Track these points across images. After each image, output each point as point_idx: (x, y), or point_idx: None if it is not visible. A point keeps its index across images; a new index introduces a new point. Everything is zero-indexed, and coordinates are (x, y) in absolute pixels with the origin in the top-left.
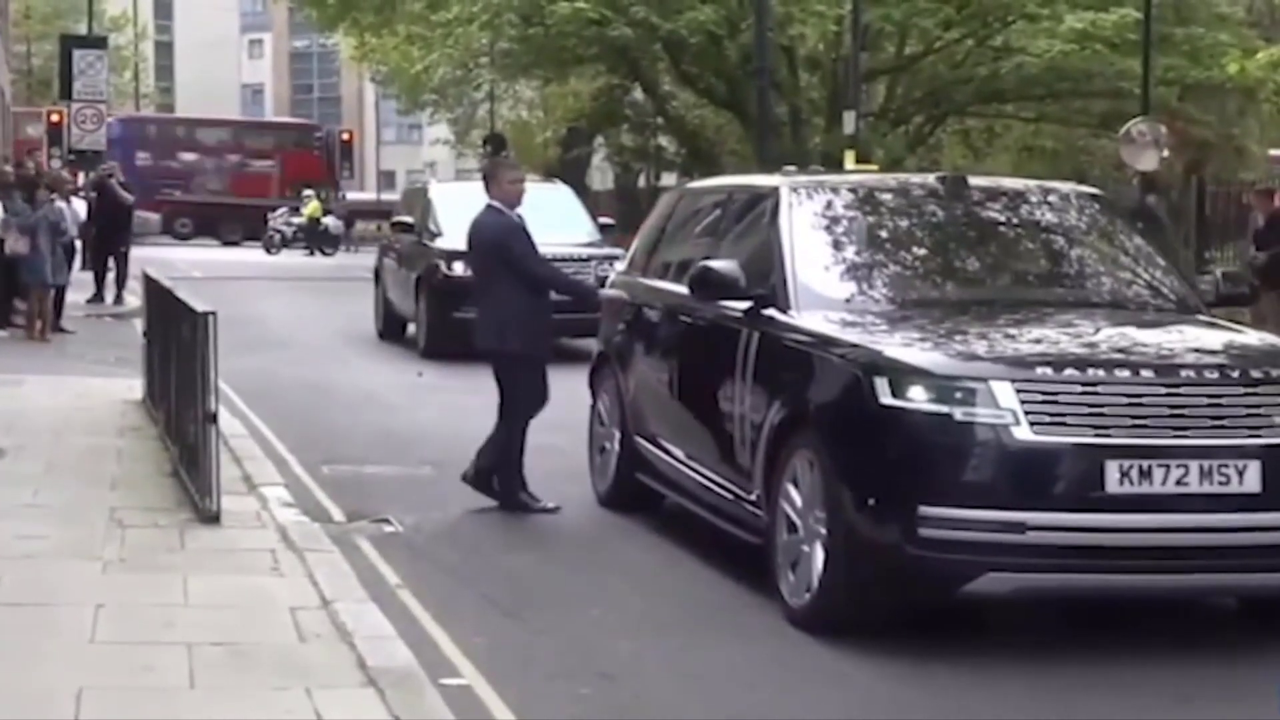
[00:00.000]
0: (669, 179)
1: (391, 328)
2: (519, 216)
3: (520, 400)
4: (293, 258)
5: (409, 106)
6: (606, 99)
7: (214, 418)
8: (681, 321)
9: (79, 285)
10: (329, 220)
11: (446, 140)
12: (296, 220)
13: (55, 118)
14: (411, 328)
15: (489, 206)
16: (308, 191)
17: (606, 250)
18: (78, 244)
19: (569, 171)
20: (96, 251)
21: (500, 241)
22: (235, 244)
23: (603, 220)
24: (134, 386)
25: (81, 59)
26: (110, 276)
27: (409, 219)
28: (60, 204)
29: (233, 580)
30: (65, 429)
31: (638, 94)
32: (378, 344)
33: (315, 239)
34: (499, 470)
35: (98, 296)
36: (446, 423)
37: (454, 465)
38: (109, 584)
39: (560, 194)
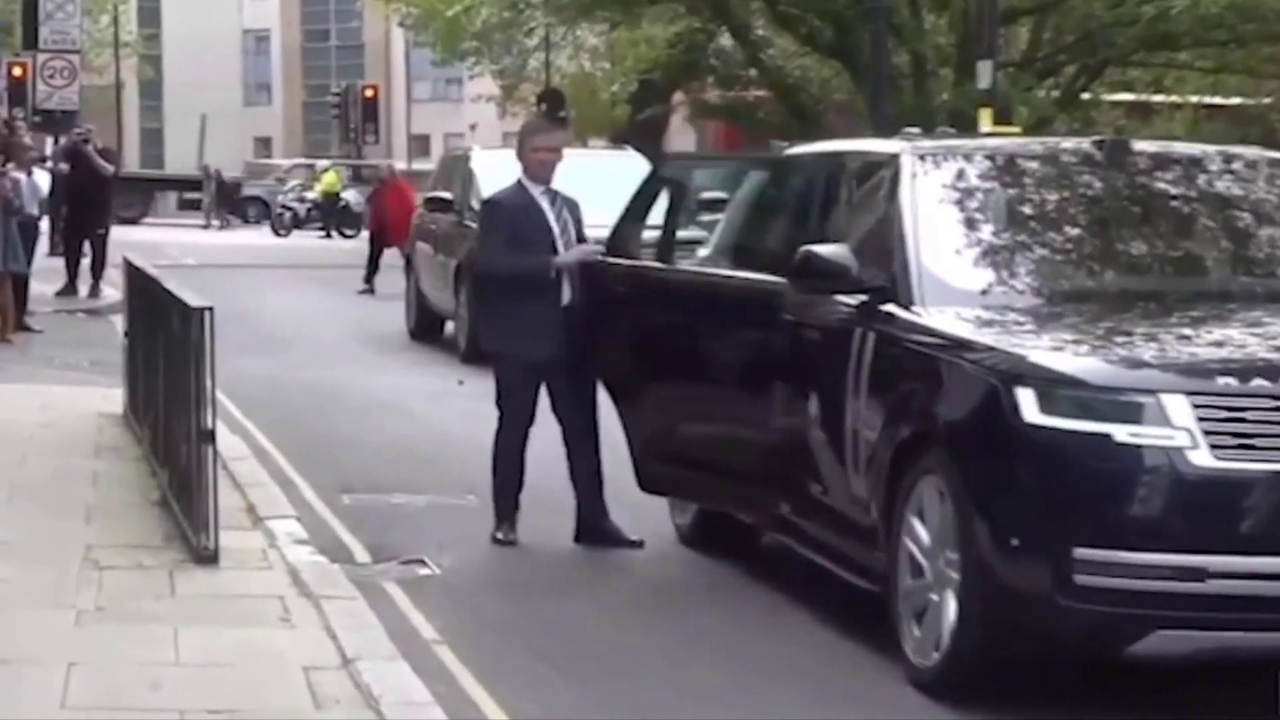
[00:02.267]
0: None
1: (426, 326)
2: (547, 194)
3: (506, 412)
4: (306, 240)
5: (446, 56)
6: (687, 46)
7: (211, 435)
8: (762, 319)
9: (47, 274)
10: (350, 195)
11: (491, 97)
12: (310, 196)
13: (17, 71)
14: (450, 326)
15: (516, 181)
16: (323, 162)
17: (691, 231)
18: (43, 224)
19: (642, 135)
20: (69, 234)
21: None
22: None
23: (708, 194)
24: (113, 397)
25: (50, 0)
26: (85, 264)
27: (446, 194)
28: (18, 175)
29: (233, 633)
30: (29, 449)
31: (725, 40)
32: (409, 345)
33: (333, 218)
34: (499, 492)
35: (70, 288)
36: (488, 439)
37: None
38: (84, 638)
39: (631, 163)
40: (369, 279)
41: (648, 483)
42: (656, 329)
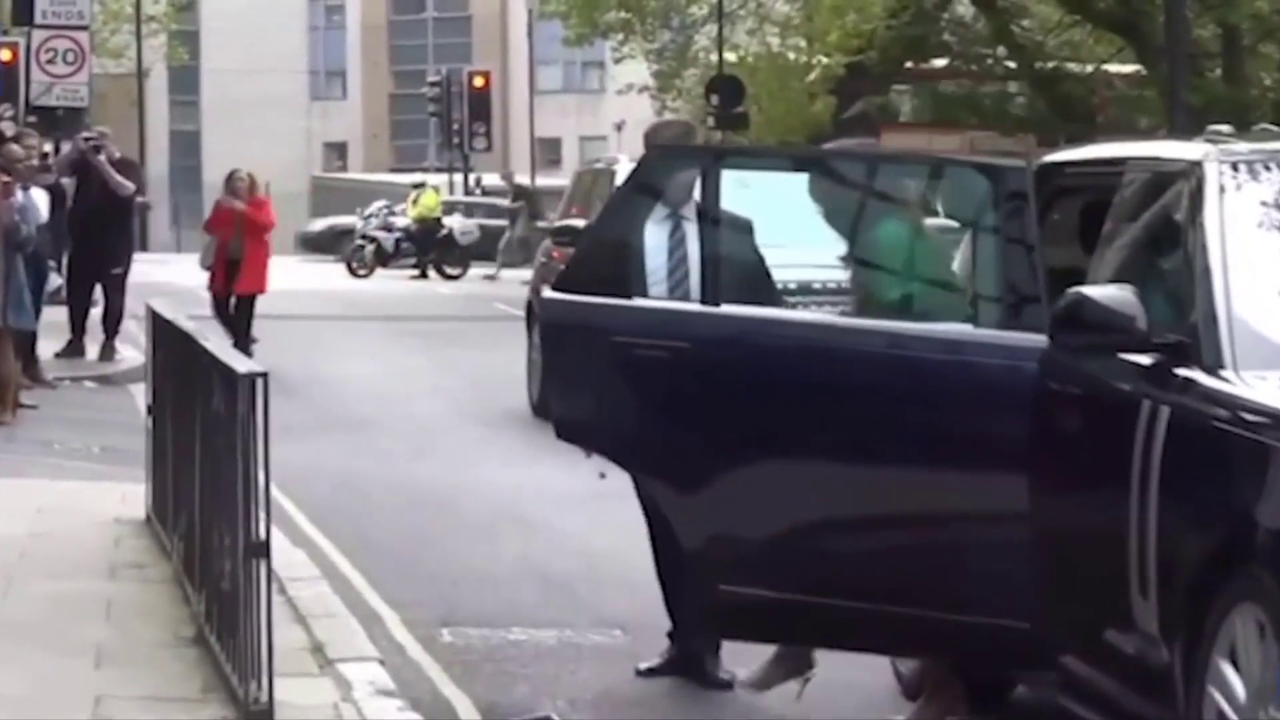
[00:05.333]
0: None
1: None
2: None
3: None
4: (394, 282)
5: (583, 33)
6: (912, 17)
7: (264, 548)
8: (989, 383)
9: (44, 328)
10: (454, 221)
11: (645, 87)
12: (400, 222)
13: (5, 55)
14: None
15: None
16: (418, 175)
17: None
18: (52, 267)
19: (850, 137)
20: (75, 274)
21: None
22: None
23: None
24: (132, 495)
25: None
26: (95, 314)
27: (580, 222)
28: (17, 195)
29: None
30: (20, 569)
31: (964, 7)
32: (532, 425)
33: (432, 252)
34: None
35: (75, 346)
36: (644, 556)
37: (656, 627)
38: None
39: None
40: None
41: (723, 619)
42: (772, 391)
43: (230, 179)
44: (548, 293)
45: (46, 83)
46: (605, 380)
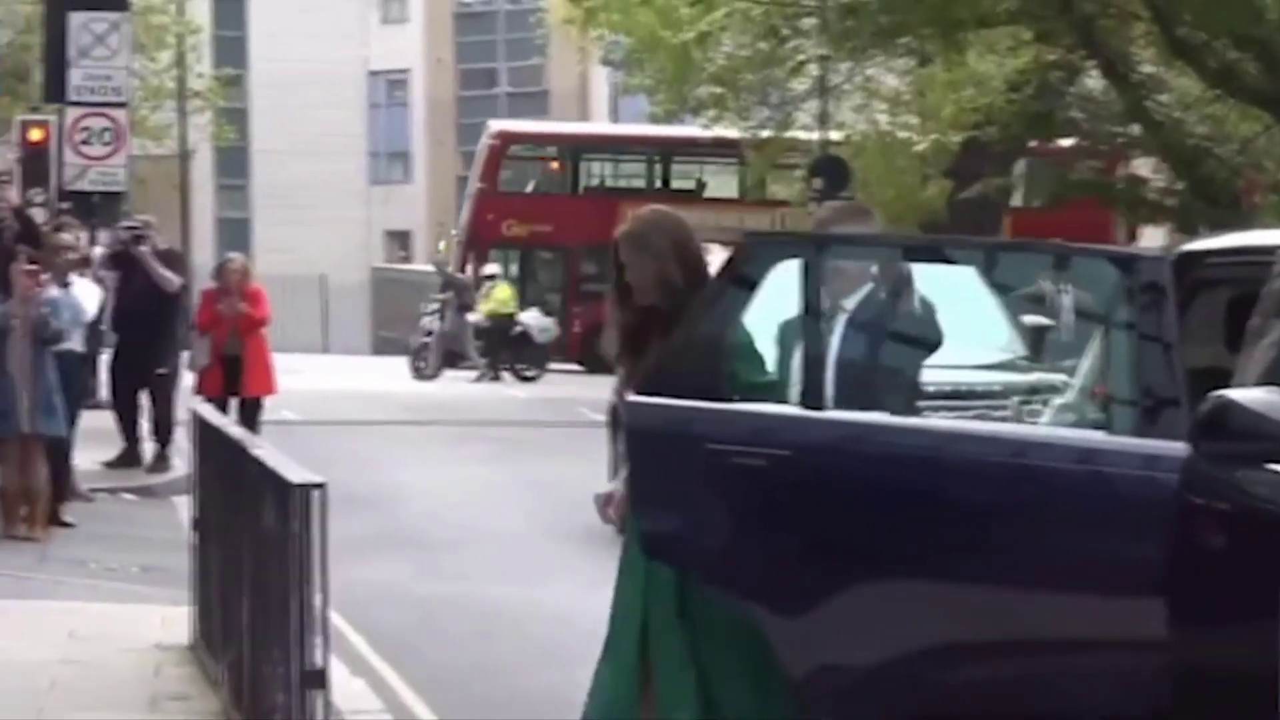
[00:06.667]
0: (1153, 236)
1: None
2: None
3: None
4: (463, 385)
5: (671, 108)
6: (1036, 89)
7: (321, 678)
8: (1126, 499)
9: (86, 436)
10: (530, 317)
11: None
12: (471, 318)
13: (36, 135)
14: None
15: None
16: (491, 267)
17: (1036, 375)
18: (102, 360)
19: (966, 221)
20: (118, 376)
21: None
22: None
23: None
24: (175, 619)
25: (84, 29)
26: (141, 422)
27: None
28: (53, 289)
29: None
30: (53, 699)
31: (1092, 79)
32: (615, 542)
33: (505, 351)
34: None
35: (130, 456)
36: None
37: None
38: None
39: (958, 269)
40: None
41: None
42: (881, 503)
43: (222, 269)
44: (634, 397)
45: (81, 166)
46: (698, 492)
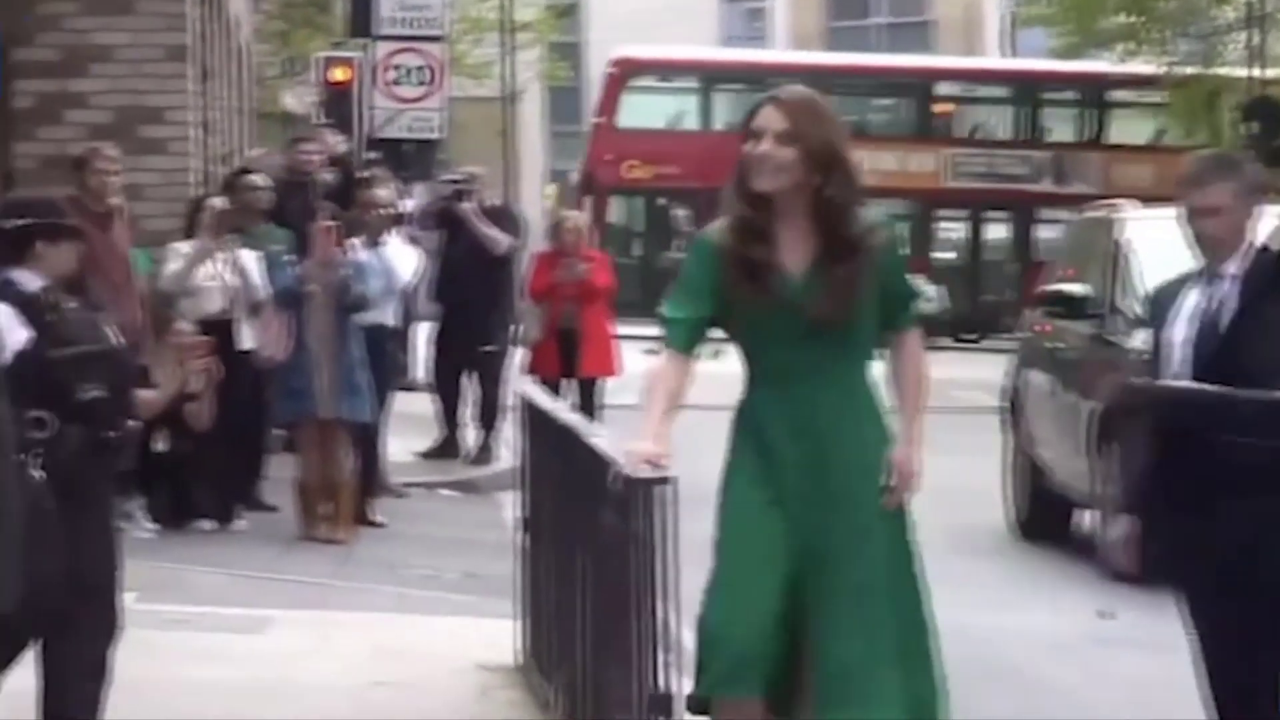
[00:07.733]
0: None
1: (1042, 514)
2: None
3: None
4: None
5: (1075, 41)
6: None
7: (668, 702)
8: None
9: (396, 422)
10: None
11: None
12: None
13: (339, 74)
14: (1088, 515)
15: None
16: None
17: None
18: (418, 333)
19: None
20: (439, 355)
21: None
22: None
23: None
24: (500, 634)
25: None
26: (467, 404)
27: (1074, 288)
28: (363, 253)
29: None
30: None
31: None
32: (1013, 547)
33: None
34: None
35: (449, 445)
36: (1155, 714)
37: None
38: None
39: None
40: None
41: None
42: None
43: (557, 229)
44: (1133, 380)
45: (392, 109)
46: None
